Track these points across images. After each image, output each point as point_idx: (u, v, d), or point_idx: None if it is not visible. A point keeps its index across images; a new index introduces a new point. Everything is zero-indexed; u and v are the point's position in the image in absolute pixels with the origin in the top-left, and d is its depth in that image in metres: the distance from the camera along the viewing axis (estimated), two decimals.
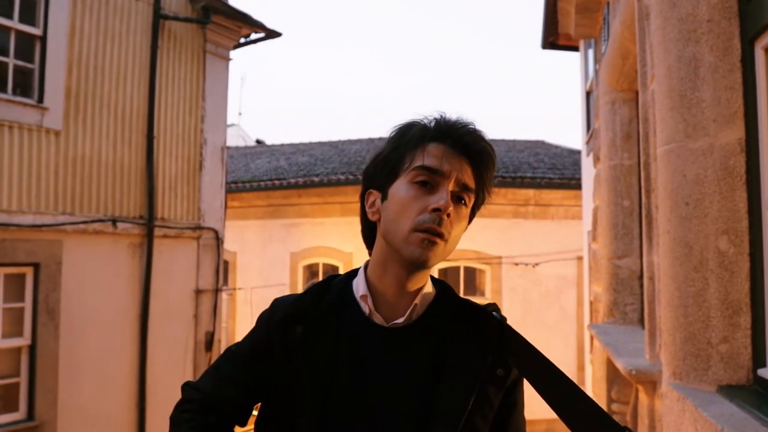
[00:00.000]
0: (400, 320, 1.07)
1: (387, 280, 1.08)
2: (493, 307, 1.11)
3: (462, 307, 1.12)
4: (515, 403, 1.09)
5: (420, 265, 1.03)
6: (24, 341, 5.62)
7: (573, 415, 0.94)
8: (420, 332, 1.08)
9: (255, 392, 1.12)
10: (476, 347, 1.06)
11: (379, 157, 1.11)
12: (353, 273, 1.16)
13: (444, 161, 1.04)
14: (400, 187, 1.05)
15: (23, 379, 5.62)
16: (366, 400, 1.04)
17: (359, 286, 1.11)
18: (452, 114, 1.10)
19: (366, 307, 1.09)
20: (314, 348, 1.07)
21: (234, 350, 1.17)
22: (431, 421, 1.02)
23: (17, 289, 5.64)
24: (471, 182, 1.06)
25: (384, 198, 1.08)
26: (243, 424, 1.16)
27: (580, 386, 0.96)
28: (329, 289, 1.15)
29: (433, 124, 1.09)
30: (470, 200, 1.08)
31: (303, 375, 1.06)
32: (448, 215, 1.01)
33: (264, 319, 1.14)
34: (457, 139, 1.06)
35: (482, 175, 1.08)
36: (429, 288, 1.12)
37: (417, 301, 1.08)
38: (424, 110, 1.11)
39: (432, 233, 1.00)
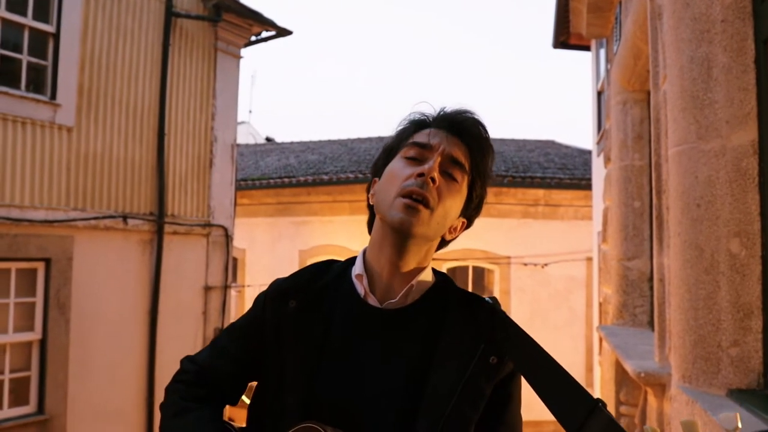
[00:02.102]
0: (394, 301, 1.07)
1: (382, 259, 1.08)
2: (493, 299, 1.10)
3: (459, 296, 1.11)
4: (510, 396, 1.07)
5: (404, 231, 1.03)
6: (35, 335, 5.67)
7: (553, 394, 0.93)
8: (414, 316, 1.08)
9: (248, 367, 1.13)
10: (470, 334, 1.05)
11: (383, 148, 1.16)
12: (354, 259, 1.16)
13: (434, 137, 1.07)
14: (393, 163, 1.09)
15: (34, 373, 5.67)
16: (355, 380, 1.04)
17: (356, 267, 1.12)
18: (454, 105, 1.13)
19: (361, 287, 1.09)
20: (306, 323, 1.08)
21: (232, 325, 1.20)
22: (420, 404, 1.00)
23: (29, 284, 5.68)
24: (462, 159, 1.07)
25: (380, 178, 1.12)
26: (234, 402, 1.16)
27: (575, 378, 0.95)
28: (328, 270, 1.15)
29: (433, 113, 1.12)
30: (462, 178, 1.08)
31: (293, 350, 1.06)
32: (433, 180, 1.02)
33: (261, 296, 1.16)
34: (451, 122, 1.09)
35: (475, 157, 1.09)
36: (428, 276, 1.12)
37: (413, 282, 1.08)
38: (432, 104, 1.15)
39: (414, 197, 1.01)
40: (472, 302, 1.10)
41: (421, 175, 1.02)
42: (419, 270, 1.09)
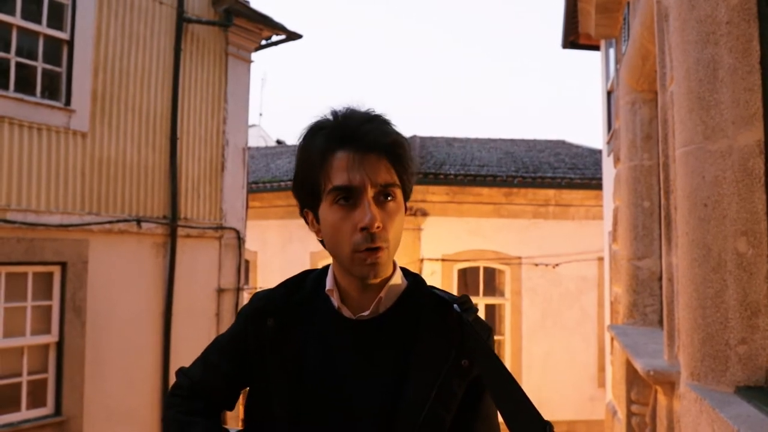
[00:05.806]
0: (366, 313, 1.09)
1: (348, 279, 1.10)
2: (462, 299, 1.11)
3: (431, 300, 1.13)
4: (483, 391, 1.10)
5: (373, 278, 1.05)
6: (52, 338, 5.76)
7: (511, 412, 0.98)
8: (387, 325, 1.10)
9: (238, 380, 1.19)
10: (442, 340, 1.08)
11: (298, 179, 1.11)
12: (328, 267, 1.18)
13: (353, 173, 1.01)
14: (326, 212, 1.06)
15: (51, 375, 5.76)
16: (336, 391, 1.07)
17: (328, 281, 1.14)
18: (351, 106, 1.08)
19: (335, 300, 1.12)
20: (285, 340, 1.11)
21: (219, 340, 1.23)
22: (397, 411, 1.04)
23: (45, 288, 5.78)
24: (391, 177, 1.04)
25: (317, 220, 1.10)
26: (231, 408, 1.22)
27: (530, 398, 0.99)
28: (304, 283, 1.18)
29: (334, 128, 1.06)
30: (395, 192, 1.06)
31: (276, 366, 1.10)
32: (379, 227, 1.01)
33: (242, 312, 1.20)
34: (360, 140, 1.03)
35: (398, 163, 1.06)
36: (398, 280, 1.13)
37: (382, 294, 1.09)
38: (329, 108, 1.09)
39: (370, 251, 1.02)
40: (444, 307, 1.11)
41: (363, 228, 1.01)
42: (386, 279, 1.10)
